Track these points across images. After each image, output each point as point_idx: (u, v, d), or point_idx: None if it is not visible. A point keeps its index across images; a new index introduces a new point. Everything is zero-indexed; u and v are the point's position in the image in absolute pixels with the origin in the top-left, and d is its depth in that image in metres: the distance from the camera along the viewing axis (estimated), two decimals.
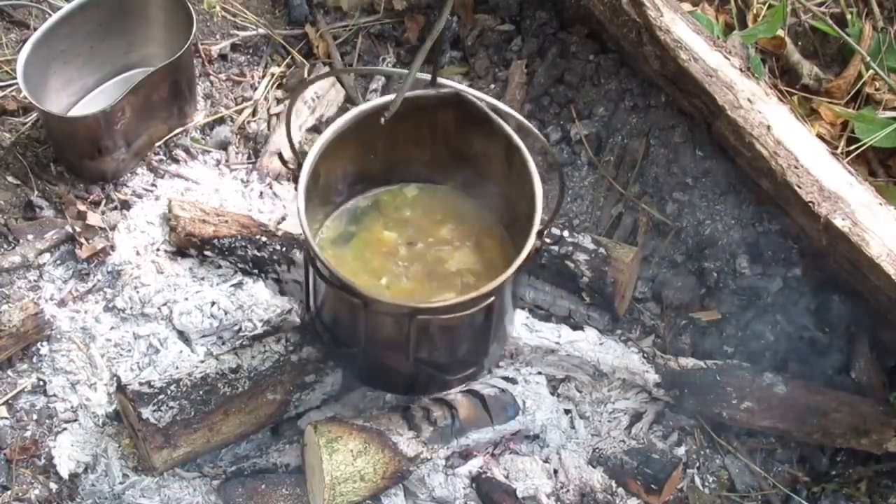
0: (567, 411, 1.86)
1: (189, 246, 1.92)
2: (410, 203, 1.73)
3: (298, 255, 1.87)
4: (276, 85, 2.24)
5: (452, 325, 1.49)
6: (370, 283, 1.58)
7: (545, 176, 2.05)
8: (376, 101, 1.58)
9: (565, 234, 1.55)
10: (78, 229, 1.94)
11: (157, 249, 1.94)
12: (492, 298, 1.44)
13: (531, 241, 1.46)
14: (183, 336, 1.85)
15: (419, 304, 1.46)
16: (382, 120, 1.35)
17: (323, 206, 1.67)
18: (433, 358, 1.56)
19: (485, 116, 1.54)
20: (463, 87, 1.20)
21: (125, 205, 2.01)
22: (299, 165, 1.51)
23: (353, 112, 1.57)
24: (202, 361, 1.74)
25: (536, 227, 1.48)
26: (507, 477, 1.74)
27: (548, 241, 1.51)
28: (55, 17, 1.95)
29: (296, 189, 1.49)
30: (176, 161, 2.10)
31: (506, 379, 1.80)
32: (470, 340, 1.57)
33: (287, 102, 2.19)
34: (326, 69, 2.23)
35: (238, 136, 2.16)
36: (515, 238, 1.62)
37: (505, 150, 1.58)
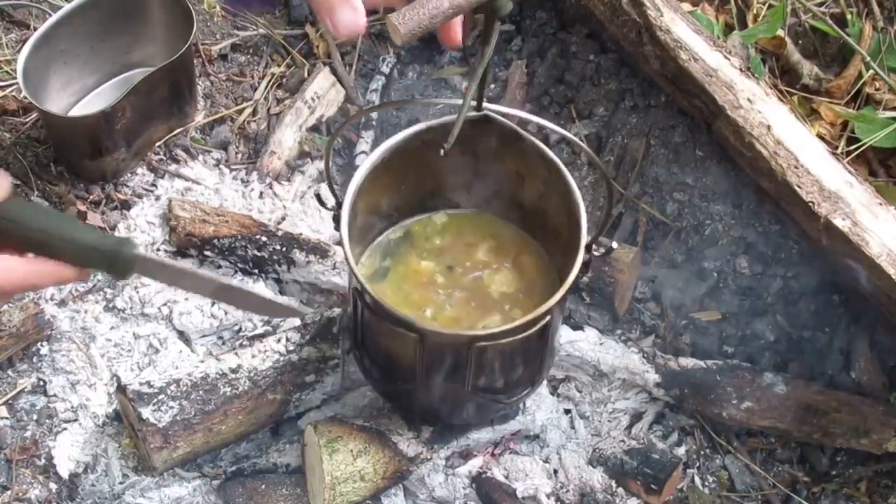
0: (567, 411, 1.86)
1: (189, 246, 1.92)
2: (441, 230, 1.70)
3: (299, 255, 1.87)
4: (276, 85, 2.24)
5: (510, 349, 1.46)
6: (415, 315, 1.52)
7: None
8: (409, 131, 1.55)
9: (614, 244, 1.52)
10: None
11: (157, 249, 1.94)
12: (548, 318, 1.43)
13: (580, 256, 1.43)
14: (183, 336, 1.85)
15: (478, 333, 1.43)
16: (442, 151, 1.27)
17: (357, 244, 1.63)
18: (490, 384, 1.53)
19: (515, 134, 1.52)
20: (511, 111, 1.14)
21: (125, 205, 2.01)
22: (338, 204, 1.49)
23: (388, 144, 1.54)
24: (202, 361, 1.74)
25: (584, 240, 1.45)
26: (507, 477, 1.74)
27: (596, 253, 1.48)
28: (55, 17, 1.95)
29: (337, 229, 1.46)
30: (176, 161, 2.10)
31: None
32: (526, 362, 1.55)
33: (290, 102, 2.19)
34: (332, 78, 2.23)
35: (238, 136, 2.16)
36: (555, 255, 1.61)
37: (539, 167, 1.55)
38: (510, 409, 1.72)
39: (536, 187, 1.60)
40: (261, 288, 1.88)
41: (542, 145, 1.53)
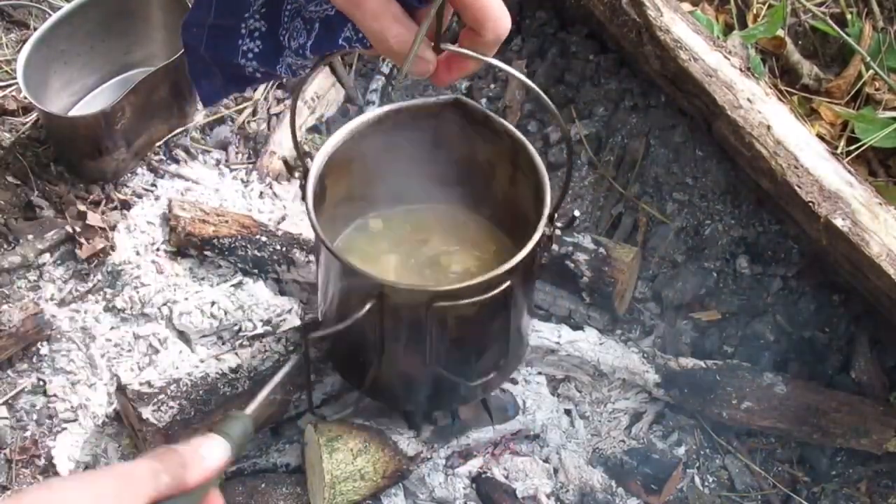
0: (567, 411, 1.86)
1: (189, 246, 1.92)
2: (410, 222, 1.70)
3: (299, 255, 1.87)
4: (276, 85, 2.24)
5: (471, 317, 1.45)
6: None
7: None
8: (380, 109, 1.56)
9: (577, 213, 1.50)
10: (78, 229, 1.94)
11: (157, 249, 1.94)
12: (507, 284, 1.40)
13: (542, 226, 1.43)
14: (183, 336, 1.85)
15: (437, 289, 1.41)
16: (391, 89, 1.29)
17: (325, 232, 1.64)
18: (452, 358, 1.51)
19: (485, 118, 1.53)
20: (470, 53, 1.12)
21: (125, 205, 2.01)
22: (305, 171, 1.48)
23: (353, 124, 1.54)
24: (202, 361, 1.74)
25: (547, 209, 1.44)
26: (507, 477, 1.74)
27: (559, 224, 1.46)
28: (55, 17, 1.95)
29: (303, 195, 1.46)
30: (176, 161, 2.10)
31: None
32: (488, 338, 1.53)
33: (289, 103, 2.19)
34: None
35: (238, 136, 2.16)
36: (522, 241, 1.59)
37: (508, 152, 1.55)
38: (474, 397, 1.67)
39: (506, 175, 1.59)
40: (260, 288, 1.88)
41: (508, 124, 1.52)
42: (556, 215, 1.46)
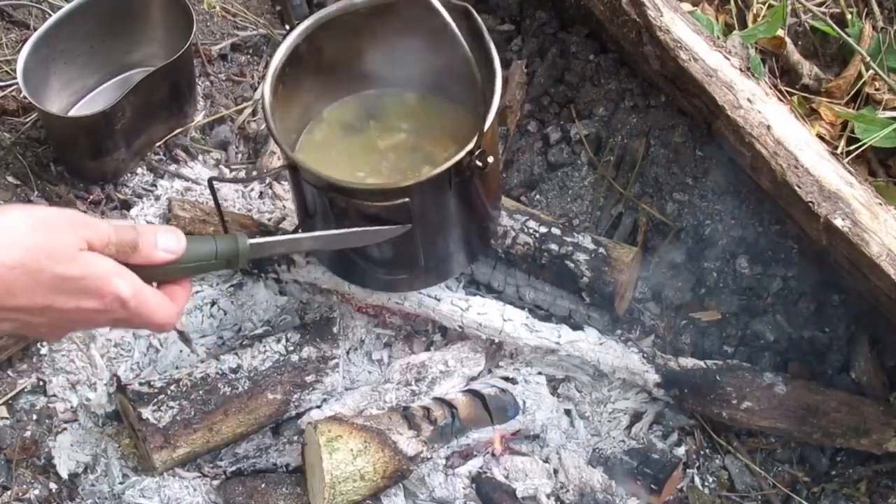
0: (567, 411, 1.86)
1: None
2: (401, 109, 1.78)
3: (298, 255, 1.87)
4: None
5: (371, 216, 1.53)
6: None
7: (544, 175, 2.06)
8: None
9: (490, 159, 1.53)
10: None
11: None
12: (406, 198, 1.47)
13: (463, 153, 1.47)
14: (183, 336, 1.85)
15: (337, 182, 1.49)
16: None
17: (296, 127, 1.76)
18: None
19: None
20: None
21: (125, 205, 2.01)
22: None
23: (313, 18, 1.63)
24: (202, 361, 1.74)
25: (493, 113, 1.49)
26: (507, 477, 1.74)
27: (479, 163, 1.48)
28: (55, 17, 1.95)
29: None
30: (176, 161, 2.10)
31: (506, 379, 1.81)
32: (394, 244, 1.59)
33: None
34: None
35: (238, 136, 2.16)
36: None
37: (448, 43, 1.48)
38: (390, 288, 1.77)
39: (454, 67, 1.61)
40: (260, 288, 1.88)
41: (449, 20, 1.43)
42: (484, 150, 1.48)
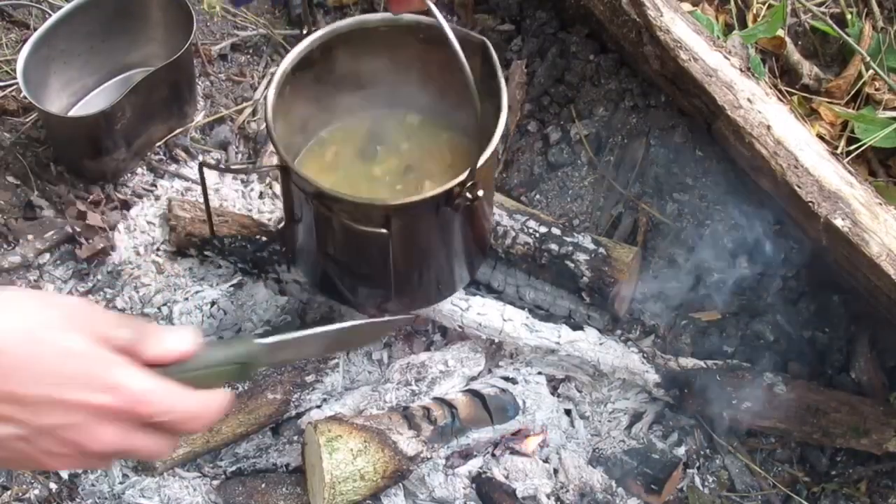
0: (567, 411, 1.86)
1: (189, 246, 1.92)
2: (405, 131, 1.78)
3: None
4: None
5: (350, 232, 1.51)
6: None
7: (544, 175, 2.06)
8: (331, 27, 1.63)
9: (480, 193, 1.52)
10: (78, 229, 1.94)
11: (157, 249, 1.94)
12: (384, 229, 1.46)
13: (456, 181, 1.45)
14: None
15: (323, 189, 1.47)
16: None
17: (295, 134, 1.75)
18: (340, 260, 1.61)
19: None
20: None
21: (125, 205, 2.01)
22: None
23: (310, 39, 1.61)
24: None
25: (491, 148, 1.47)
26: (507, 477, 1.74)
27: (469, 196, 1.45)
28: (55, 17, 1.95)
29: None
30: (176, 161, 2.10)
31: (506, 379, 1.81)
32: (367, 262, 1.58)
33: None
34: None
35: (238, 136, 2.16)
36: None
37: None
38: (361, 312, 1.76)
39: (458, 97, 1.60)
40: (260, 288, 1.88)
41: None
42: (476, 183, 1.45)
